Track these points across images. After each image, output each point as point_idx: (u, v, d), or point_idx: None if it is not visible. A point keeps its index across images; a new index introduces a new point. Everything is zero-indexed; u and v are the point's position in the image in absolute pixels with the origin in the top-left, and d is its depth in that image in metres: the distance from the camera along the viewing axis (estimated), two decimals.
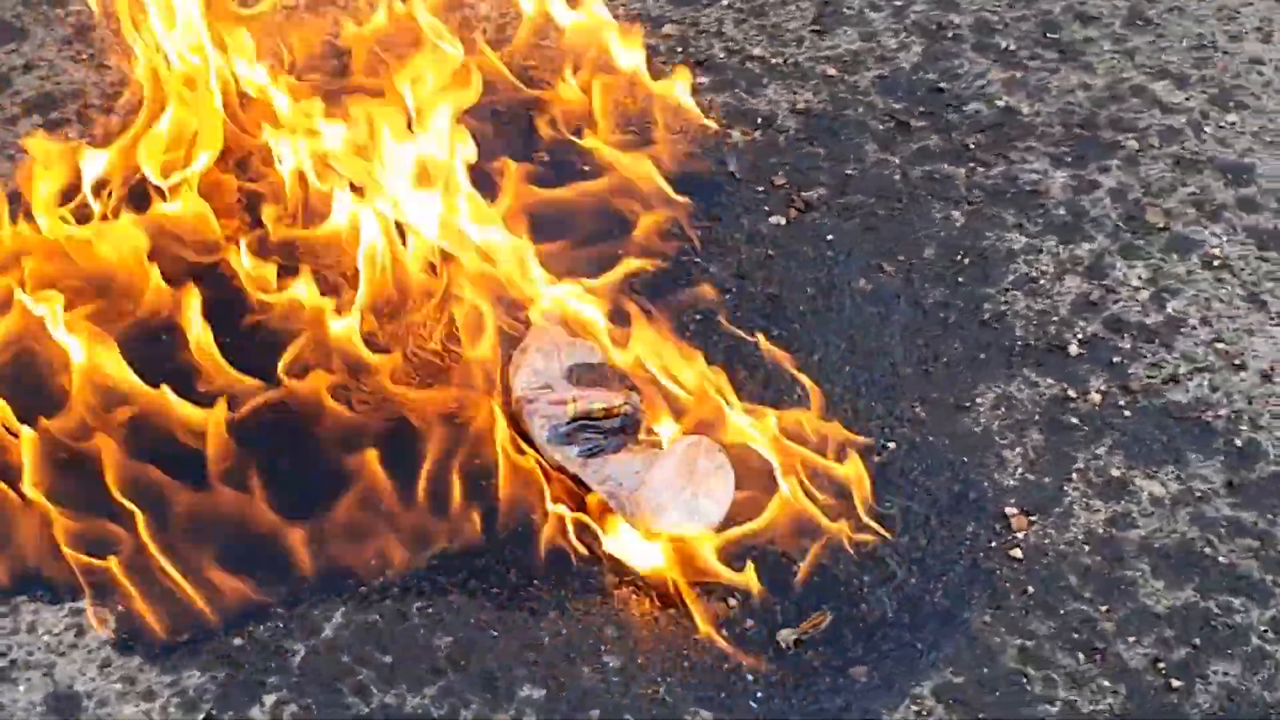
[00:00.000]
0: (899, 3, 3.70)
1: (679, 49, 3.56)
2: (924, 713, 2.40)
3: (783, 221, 3.16)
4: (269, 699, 2.39)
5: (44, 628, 2.48)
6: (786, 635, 2.49)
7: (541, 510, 2.59)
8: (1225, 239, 3.15)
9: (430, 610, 2.50)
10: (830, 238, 3.13)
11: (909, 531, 2.63)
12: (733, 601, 2.51)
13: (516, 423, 2.67)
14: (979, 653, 2.48)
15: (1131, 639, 2.50)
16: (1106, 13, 3.68)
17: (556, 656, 2.46)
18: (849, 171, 3.27)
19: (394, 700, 2.40)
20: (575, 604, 2.51)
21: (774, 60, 3.54)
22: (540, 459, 2.63)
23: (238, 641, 2.46)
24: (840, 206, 3.19)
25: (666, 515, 2.47)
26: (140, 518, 2.54)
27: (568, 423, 2.63)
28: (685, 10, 3.67)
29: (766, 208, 3.19)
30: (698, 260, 3.05)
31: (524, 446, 2.65)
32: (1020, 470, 2.73)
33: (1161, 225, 3.17)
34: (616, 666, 2.45)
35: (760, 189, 3.23)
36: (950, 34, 3.61)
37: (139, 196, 3.06)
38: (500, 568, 2.56)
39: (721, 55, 3.55)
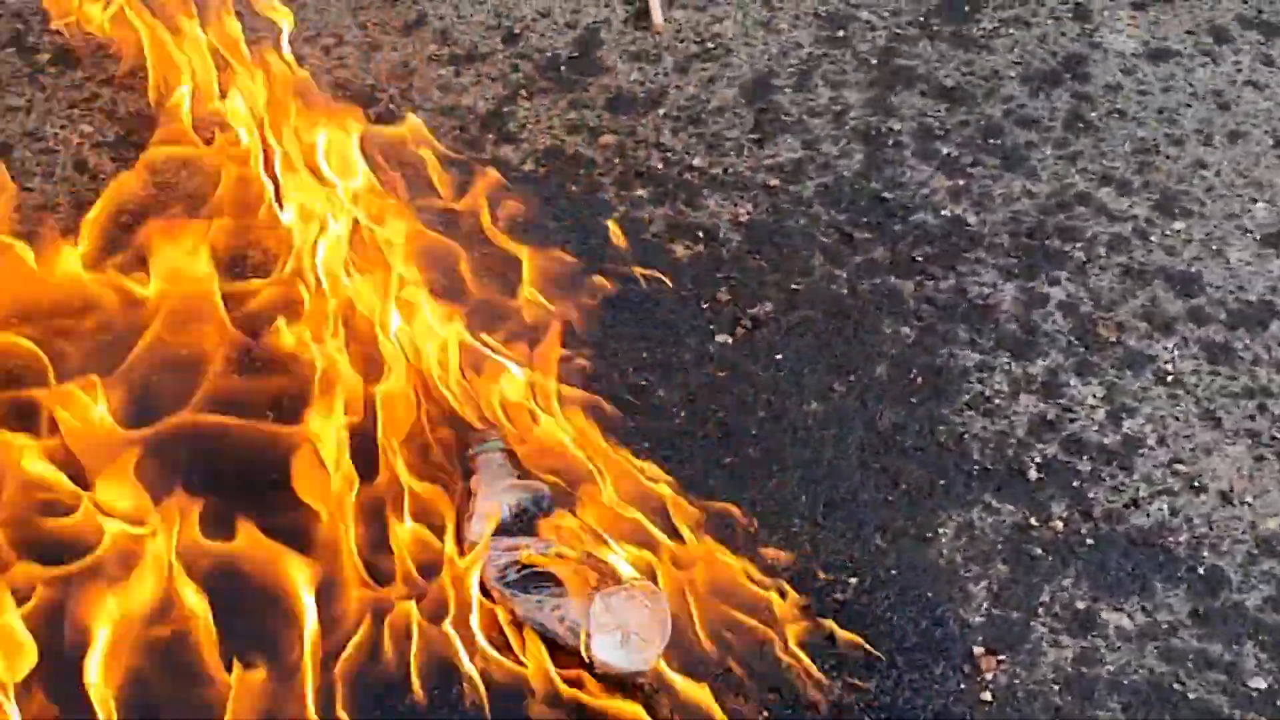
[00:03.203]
0: (837, 108, 3.64)
1: (617, 159, 3.47)
2: None
3: (730, 340, 3.08)
4: None
5: None
6: None
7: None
8: (1177, 353, 3.10)
9: None
10: (780, 356, 3.05)
11: (875, 675, 2.53)
12: None
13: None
14: None
15: None
16: (1047, 116, 3.64)
17: None
18: (795, 286, 3.20)
19: None
20: None
21: (714, 170, 3.47)
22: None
23: None
24: (789, 323, 3.12)
25: (607, 654, 2.41)
26: None
27: (520, 569, 2.54)
28: (623, 119, 3.59)
29: (712, 326, 3.10)
30: (645, 382, 2.96)
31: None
32: (986, 605, 2.66)
33: (1114, 340, 3.12)
34: None
35: (705, 305, 3.15)
36: (891, 141, 3.56)
37: None
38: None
39: (660, 166, 3.47)
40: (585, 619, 2.43)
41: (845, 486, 2.82)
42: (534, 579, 2.54)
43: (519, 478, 2.69)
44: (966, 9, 3.95)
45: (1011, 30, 3.88)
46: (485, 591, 2.55)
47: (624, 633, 2.40)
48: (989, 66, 3.77)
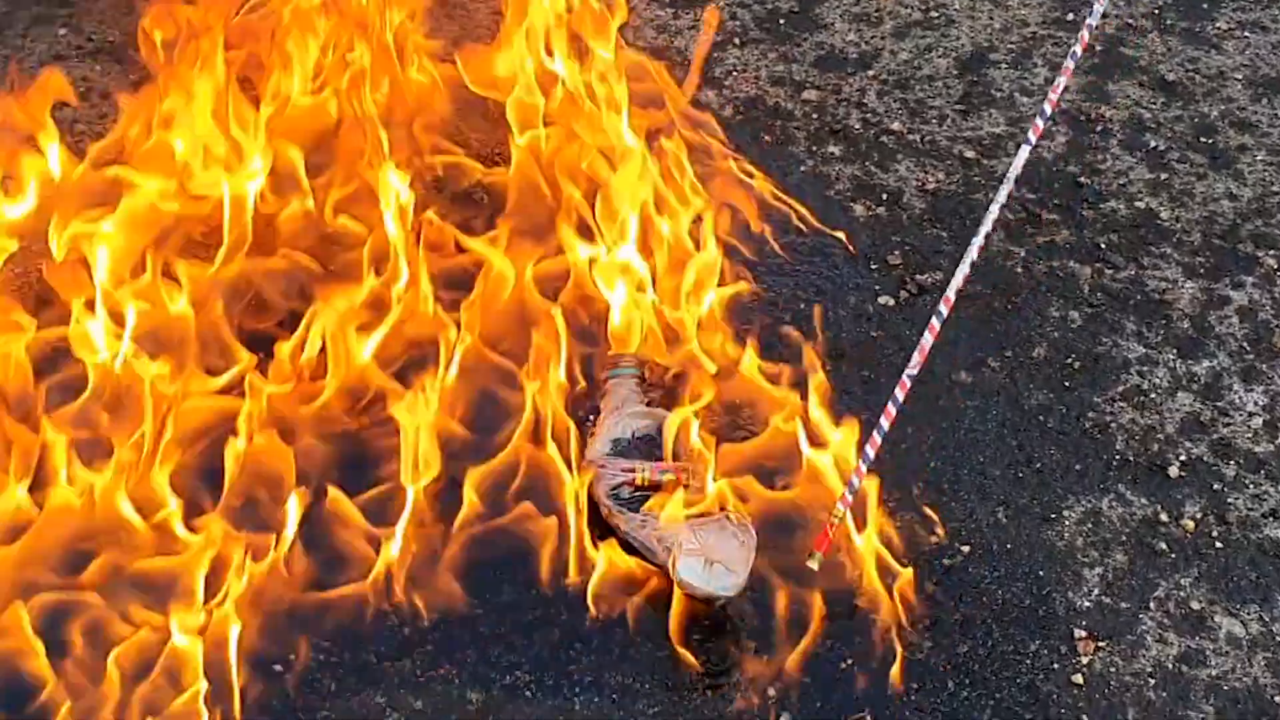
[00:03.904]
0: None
1: (815, 115, 3.50)
2: None
3: (892, 303, 3.09)
4: None
5: None
6: None
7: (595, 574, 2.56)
8: None
9: (467, 662, 2.47)
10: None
11: (968, 641, 2.53)
12: (771, 692, 2.45)
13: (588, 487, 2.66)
14: None
15: None
16: (1266, 122, 3.54)
17: None
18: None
19: None
20: (613, 674, 2.46)
21: (911, 136, 3.47)
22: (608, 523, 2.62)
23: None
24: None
25: (690, 575, 2.47)
26: None
27: (634, 490, 2.61)
28: (829, 76, 3.62)
29: (877, 287, 3.12)
30: (798, 331, 2.99)
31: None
32: (1097, 591, 2.63)
33: None
34: None
35: (875, 267, 3.16)
36: (1100, 127, 3.51)
37: None
38: (546, 627, 2.52)
39: (858, 126, 3.49)
40: (677, 542, 2.49)
41: (978, 459, 2.82)
42: (643, 500, 2.62)
43: (647, 405, 2.76)
44: (1204, 6, 3.87)
45: (1247, 33, 3.79)
46: (595, 505, 2.63)
47: (709, 559, 2.45)
48: (1215, 66, 3.69)
